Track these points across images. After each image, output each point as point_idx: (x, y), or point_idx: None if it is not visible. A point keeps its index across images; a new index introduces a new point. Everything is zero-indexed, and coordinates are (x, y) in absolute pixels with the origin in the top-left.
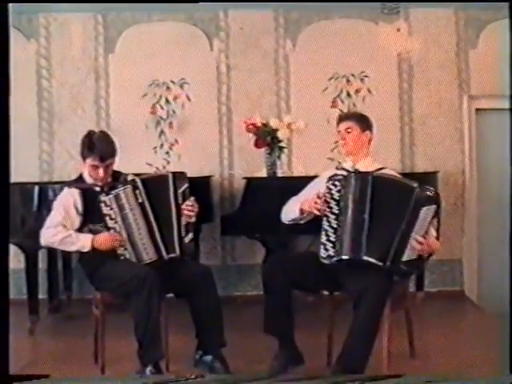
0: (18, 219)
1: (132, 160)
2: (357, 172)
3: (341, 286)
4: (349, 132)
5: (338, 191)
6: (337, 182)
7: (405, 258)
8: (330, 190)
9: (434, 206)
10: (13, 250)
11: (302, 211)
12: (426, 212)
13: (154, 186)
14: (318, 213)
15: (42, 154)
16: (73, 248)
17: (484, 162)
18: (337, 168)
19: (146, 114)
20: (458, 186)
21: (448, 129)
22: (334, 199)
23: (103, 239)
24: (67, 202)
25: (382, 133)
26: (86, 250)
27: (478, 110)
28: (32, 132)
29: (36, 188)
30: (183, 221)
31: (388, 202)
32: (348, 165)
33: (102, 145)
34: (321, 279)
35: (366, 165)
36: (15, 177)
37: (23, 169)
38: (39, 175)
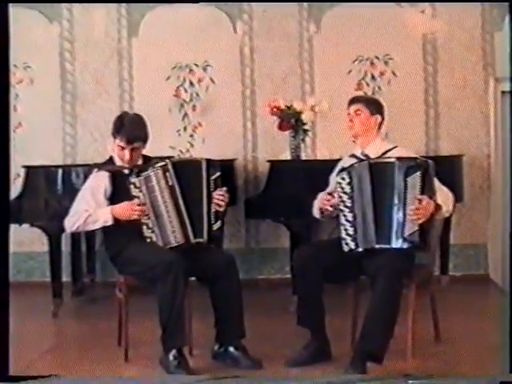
0: (42, 202)
1: (155, 143)
2: (361, 160)
3: (363, 270)
4: (358, 114)
5: (348, 184)
6: (345, 175)
7: (407, 232)
8: (340, 183)
9: (419, 173)
10: (36, 233)
11: (321, 210)
12: (412, 181)
13: (185, 170)
14: (331, 209)
15: (66, 136)
16: (97, 225)
17: (510, 144)
18: (349, 156)
19: (169, 96)
20: (483, 169)
21: (473, 112)
22: (346, 192)
23: (123, 208)
24: (96, 186)
25: (406, 116)
26: (109, 223)
27: (503, 92)
28: (55, 115)
29: (59, 171)
30: (213, 208)
31: (383, 185)
32: (358, 151)
33: (131, 127)
34: (348, 268)
35: (374, 147)
36: (39, 160)
37: (47, 152)
38: (63, 158)
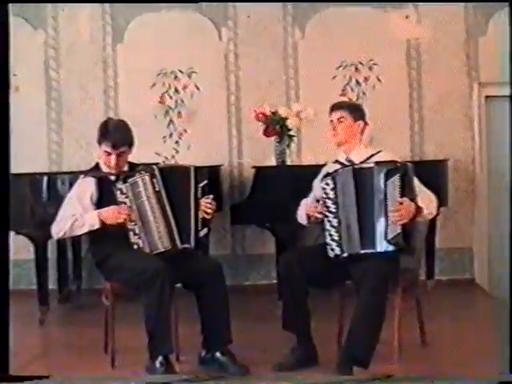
0: (28, 210)
1: (141, 149)
2: (345, 166)
3: (349, 276)
4: (341, 122)
5: (332, 189)
6: (329, 181)
7: (390, 235)
8: (324, 189)
9: (398, 176)
10: (22, 240)
11: (308, 216)
12: (392, 184)
13: (173, 176)
14: (320, 216)
15: (51, 144)
16: (84, 229)
17: (494, 149)
18: (333, 162)
19: (154, 103)
20: (468, 173)
21: (458, 116)
22: (330, 198)
23: (110, 212)
24: (82, 192)
25: (391, 121)
26: (96, 226)
27: (487, 97)
28: (40, 122)
29: (45, 178)
30: (200, 215)
31: (365, 190)
32: (342, 156)
33: (116, 132)
34: (333, 273)
35: (358, 153)
36: (24, 167)
37: (32, 159)
38: (48, 165)
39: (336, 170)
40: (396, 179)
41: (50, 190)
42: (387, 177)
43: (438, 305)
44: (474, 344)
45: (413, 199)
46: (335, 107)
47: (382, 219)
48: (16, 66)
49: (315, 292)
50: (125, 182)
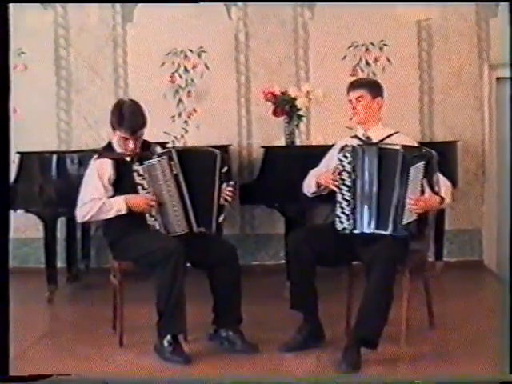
0: (37, 188)
1: (150, 129)
2: (366, 142)
3: (357, 256)
4: (360, 101)
5: (349, 163)
6: (347, 154)
7: (405, 220)
8: (342, 161)
9: (423, 163)
10: (31, 219)
11: (318, 184)
12: (416, 171)
13: (195, 160)
14: (333, 188)
15: (60, 123)
16: (111, 214)
17: (504, 131)
18: (351, 136)
19: (164, 82)
20: (477, 155)
21: (468, 98)
22: (346, 171)
23: (138, 200)
24: (101, 173)
25: (401, 102)
26: (123, 212)
27: (498, 78)
28: (50, 101)
29: (54, 157)
30: (221, 201)
31: (386, 171)
32: (360, 132)
33: (133, 117)
34: (341, 252)
35: (377, 131)
36: (33, 146)
37: (41, 138)
38: (57, 144)
39: (359, 145)
40: (420, 166)
41: (59, 168)
42: (412, 162)
43: (447, 286)
44: (482, 326)
45: (434, 188)
46: (353, 86)
47: (400, 203)
48: (25, 44)
49: (324, 272)
50: (141, 163)
